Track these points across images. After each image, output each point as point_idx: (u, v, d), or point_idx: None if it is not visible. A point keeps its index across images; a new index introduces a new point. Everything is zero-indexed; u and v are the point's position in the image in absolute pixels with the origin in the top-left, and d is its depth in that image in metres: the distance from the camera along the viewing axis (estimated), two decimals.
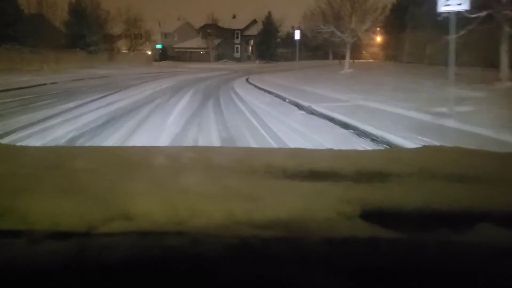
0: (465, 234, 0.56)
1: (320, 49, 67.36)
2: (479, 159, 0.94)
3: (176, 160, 0.86)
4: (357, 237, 0.50)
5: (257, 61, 54.06)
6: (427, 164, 0.83)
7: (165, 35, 64.30)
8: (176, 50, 61.99)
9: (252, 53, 61.06)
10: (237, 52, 61.15)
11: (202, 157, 0.89)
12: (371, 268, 0.44)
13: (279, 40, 58.84)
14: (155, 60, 59.78)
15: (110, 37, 44.74)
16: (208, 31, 57.29)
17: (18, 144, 1.02)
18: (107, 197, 0.60)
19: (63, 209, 0.57)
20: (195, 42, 57.81)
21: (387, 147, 5.70)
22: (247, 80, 22.44)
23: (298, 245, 0.47)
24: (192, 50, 59.87)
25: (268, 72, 32.52)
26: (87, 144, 5.97)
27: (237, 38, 60.64)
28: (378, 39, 41.97)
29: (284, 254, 0.45)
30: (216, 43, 57.12)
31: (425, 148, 0.99)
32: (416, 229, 0.57)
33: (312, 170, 0.79)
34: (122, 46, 54.18)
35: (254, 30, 59.45)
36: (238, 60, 58.92)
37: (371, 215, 0.60)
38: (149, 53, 63.16)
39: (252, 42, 60.59)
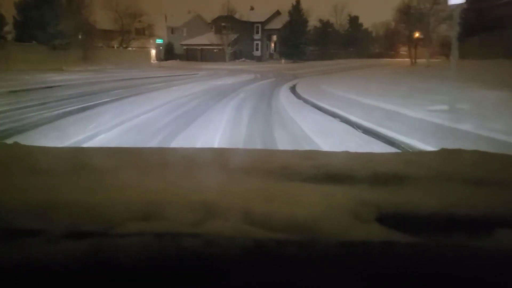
0: (483, 239, 0.55)
1: (353, 46, 57.25)
2: (498, 163, 0.92)
3: (193, 161, 0.85)
4: (372, 241, 0.49)
5: (282, 61, 44.06)
6: (444, 167, 0.82)
7: (172, 30, 54.68)
8: (185, 47, 52.27)
9: (275, 50, 51.00)
10: (257, 49, 51.10)
11: (219, 158, 0.90)
12: (386, 273, 0.44)
13: (310, 31, 48.57)
14: (160, 59, 50.38)
15: (99, 31, 35.19)
16: (223, 24, 47.40)
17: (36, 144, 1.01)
18: (125, 197, 0.61)
19: (82, 209, 0.58)
20: (207, 38, 47.96)
21: None
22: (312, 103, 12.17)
23: (313, 248, 0.47)
24: (203, 47, 50.08)
25: (314, 75, 22.43)
26: None
27: (257, 33, 50.60)
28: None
29: (299, 257, 0.45)
30: (232, 39, 47.18)
31: (442, 151, 0.95)
32: (433, 233, 0.57)
33: (327, 172, 0.78)
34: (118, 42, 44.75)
35: (278, 23, 49.40)
36: (259, 59, 48.90)
37: (387, 219, 0.59)
38: (153, 51, 53.75)
39: (275, 37, 50.54)
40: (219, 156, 0.94)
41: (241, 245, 0.46)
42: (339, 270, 0.44)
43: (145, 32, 55.01)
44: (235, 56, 48.02)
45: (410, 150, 4.19)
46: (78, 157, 0.88)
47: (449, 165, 0.86)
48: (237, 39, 47.68)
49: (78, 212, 0.57)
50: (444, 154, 0.95)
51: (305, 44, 46.53)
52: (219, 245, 0.46)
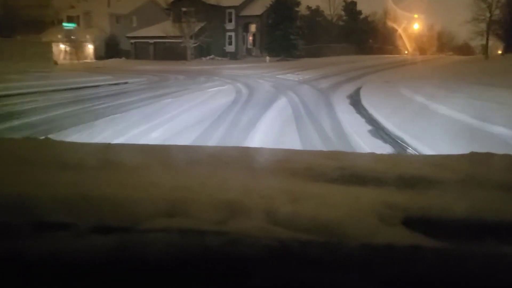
0: None
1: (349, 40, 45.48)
2: None
3: (218, 159, 0.86)
4: (398, 245, 0.48)
5: (266, 58, 31.62)
6: (474, 171, 0.80)
7: (117, 19, 41.32)
8: (132, 41, 39.00)
9: (254, 45, 38.57)
10: (230, 43, 38.50)
11: (244, 157, 0.91)
12: (412, 278, 0.43)
13: (299, 20, 36.27)
14: (100, 58, 37.10)
15: None
16: (183, 9, 34.55)
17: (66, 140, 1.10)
18: (151, 194, 0.62)
19: (109, 204, 0.59)
20: (162, 29, 34.95)
21: None
22: None
23: (337, 250, 0.46)
24: (157, 40, 37.03)
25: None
26: None
27: (230, 21, 37.98)
28: None
29: (322, 258, 0.45)
30: (196, 29, 34.34)
31: (472, 155, 0.93)
32: (462, 239, 0.56)
33: (353, 174, 0.77)
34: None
35: (258, 8, 36.95)
36: (233, 56, 36.32)
37: (413, 223, 0.59)
38: (90, 46, 40.28)
39: (254, 27, 38.07)
40: (244, 155, 0.94)
41: (265, 244, 0.45)
42: (363, 273, 0.43)
43: (79, 22, 41.54)
44: (201, 53, 35.22)
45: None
46: (107, 154, 0.88)
47: (479, 169, 0.83)
48: (203, 30, 34.80)
49: (105, 207, 0.58)
50: (473, 157, 0.91)
51: (297, 35, 34.17)
52: (242, 244, 0.46)
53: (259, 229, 0.53)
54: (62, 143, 1.04)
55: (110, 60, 35.50)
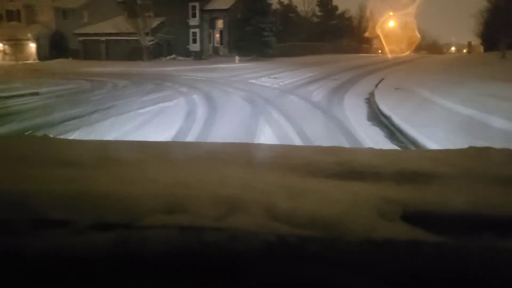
0: None
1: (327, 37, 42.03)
2: None
3: (216, 155, 0.86)
4: (397, 240, 0.48)
5: (236, 58, 27.53)
6: (473, 166, 0.80)
7: (64, 13, 36.24)
8: (81, 38, 34.04)
9: (222, 43, 34.38)
10: (195, 41, 34.14)
11: (242, 153, 0.91)
12: (411, 273, 0.44)
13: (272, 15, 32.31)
14: (45, 58, 32.02)
15: None
16: (139, 2, 29.93)
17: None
18: (149, 190, 0.62)
19: (107, 201, 0.59)
20: (113, 24, 30.18)
21: None
22: None
23: (336, 245, 0.47)
24: (109, 38, 32.26)
25: None
26: None
27: (194, 16, 33.66)
28: None
29: (321, 254, 0.45)
30: (154, 25, 29.82)
31: (470, 149, 0.93)
32: (460, 233, 0.56)
33: (352, 169, 0.78)
34: None
35: (225, 2, 32.74)
36: (197, 55, 32.01)
37: (412, 217, 0.59)
38: (32, 45, 35.04)
39: (221, 23, 33.92)
40: (243, 151, 0.94)
41: (264, 240, 0.46)
42: (363, 268, 0.44)
43: (20, 17, 36.18)
44: (162, 52, 30.79)
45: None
46: (105, 150, 0.88)
47: (478, 163, 0.83)
48: (162, 26, 30.33)
49: (104, 204, 0.58)
50: (472, 152, 0.91)
51: (271, 32, 30.15)
52: (242, 239, 0.46)
53: (258, 225, 0.53)
54: (60, 140, 1.07)
55: (55, 60, 30.66)
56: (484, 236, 0.55)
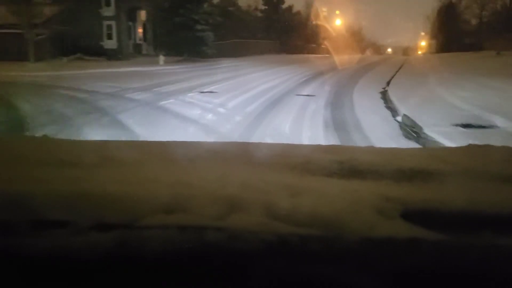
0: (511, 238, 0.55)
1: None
2: None
3: (216, 155, 0.86)
4: (397, 238, 0.49)
5: (160, 58, 20.80)
6: (472, 164, 0.81)
7: None
8: None
9: (145, 39, 27.35)
10: (110, 37, 26.77)
11: (242, 152, 0.91)
12: (411, 270, 0.44)
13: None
14: None
15: None
16: None
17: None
18: (149, 190, 0.63)
19: (108, 201, 0.59)
20: None
21: None
22: None
23: (336, 244, 0.47)
24: None
25: None
26: None
27: (108, 5, 26.35)
28: None
29: (321, 252, 0.46)
30: (46, 15, 22.09)
31: (470, 147, 0.94)
32: (460, 231, 0.57)
33: (351, 167, 0.78)
34: None
35: None
36: (114, 54, 24.79)
37: (412, 215, 0.59)
38: None
39: (143, 15, 26.91)
40: (243, 150, 0.94)
41: (264, 239, 0.46)
42: (362, 266, 0.44)
43: None
44: (61, 49, 23.17)
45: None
46: (105, 150, 0.88)
47: (477, 161, 0.83)
48: (60, 16, 22.70)
49: (104, 204, 0.58)
50: (471, 150, 0.92)
51: (207, 25, 23.65)
52: (242, 239, 0.46)
53: (258, 224, 0.53)
54: (60, 140, 1.05)
55: None
56: (483, 234, 0.55)
